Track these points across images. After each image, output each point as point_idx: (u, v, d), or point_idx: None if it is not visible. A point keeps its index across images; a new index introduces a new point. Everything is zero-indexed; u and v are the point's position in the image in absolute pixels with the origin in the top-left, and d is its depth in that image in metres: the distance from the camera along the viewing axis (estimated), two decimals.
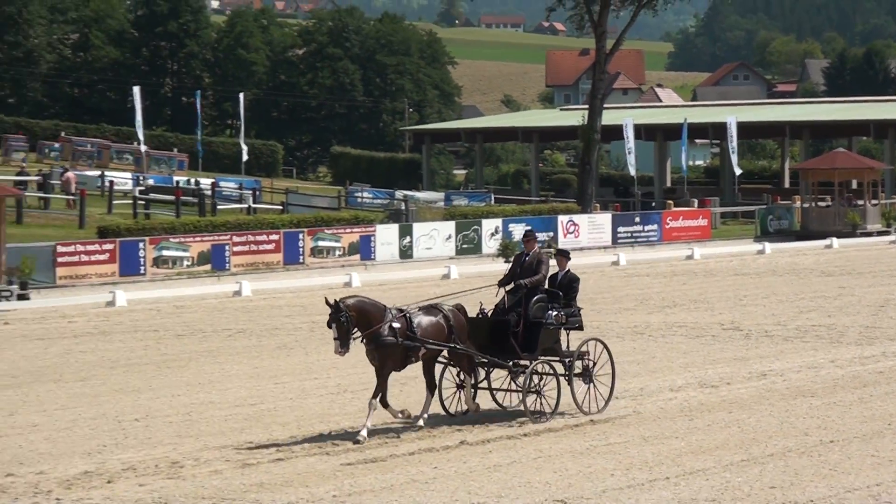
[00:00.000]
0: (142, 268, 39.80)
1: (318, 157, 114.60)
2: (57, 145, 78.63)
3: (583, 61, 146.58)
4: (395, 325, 17.71)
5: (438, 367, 18.64)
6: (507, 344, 18.47)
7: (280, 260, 43.18)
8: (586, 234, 52.87)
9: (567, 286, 19.21)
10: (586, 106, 65.61)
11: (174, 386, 22.22)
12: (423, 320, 18.08)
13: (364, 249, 45.71)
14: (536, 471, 15.81)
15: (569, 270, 19.43)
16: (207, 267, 41.38)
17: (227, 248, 42.07)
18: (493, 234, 49.77)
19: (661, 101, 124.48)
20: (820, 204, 59.74)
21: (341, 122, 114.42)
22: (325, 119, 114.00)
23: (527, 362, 18.53)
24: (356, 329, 17.48)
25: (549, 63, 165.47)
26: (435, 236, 48.42)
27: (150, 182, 64.84)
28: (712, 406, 19.82)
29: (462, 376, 18.56)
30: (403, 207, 58.73)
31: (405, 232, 47.58)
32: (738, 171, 69.40)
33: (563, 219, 52.80)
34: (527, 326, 18.52)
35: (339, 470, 16.01)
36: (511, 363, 18.63)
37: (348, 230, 46.05)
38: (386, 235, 46.91)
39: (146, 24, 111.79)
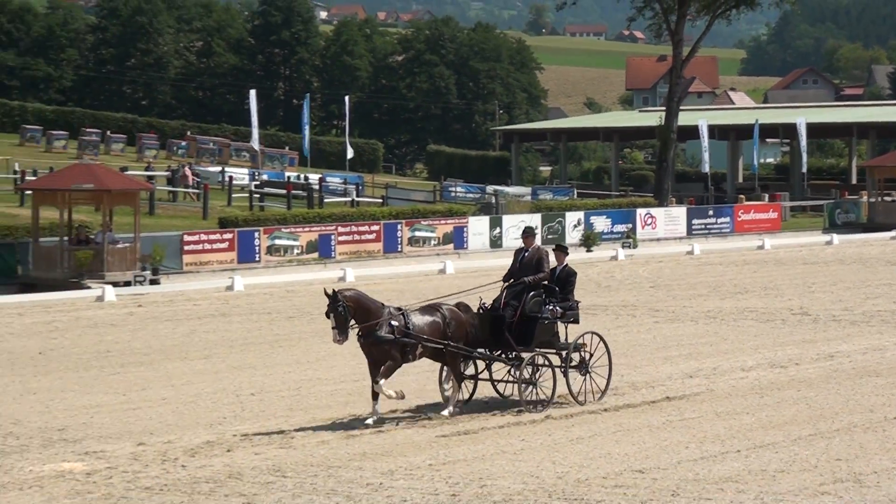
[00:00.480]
0: (257, 255, 40.22)
1: (416, 154, 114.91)
2: (184, 143, 79.66)
3: (660, 67, 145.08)
4: (394, 322, 16.87)
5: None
6: (503, 337, 17.58)
7: (380, 248, 43.38)
8: (663, 226, 52.48)
9: (564, 280, 18.14)
10: (663, 108, 65.01)
11: (285, 363, 22.41)
12: (419, 319, 17.19)
13: (457, 239, 45.78)
14: (616, 443, 15.72)
15: (566, 265, 18.34)
16: (315, 255, 41.70)
17: (332, 237, 42.37)
18: (575, 226, 49.56)
19: (733, 103, 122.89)
20: (886, 199, 58.66)
21: (437, 122, 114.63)
22: (422, 120, 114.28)
23: (525, 355, 17.62)
24: (353, 320, 16.69)
25: (629, 68, 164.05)
26: (522, 227, 48.24)
27: (265, 177, 65.45)
28: (782, 385, 19.55)
29: (446, 372, 17.60)
30: (493, 201, 58.68)
31: (495, 223, 47.57)
32: (804, 168, 68.38)
33: (641, 212, 52.44)
34: (523, 321, 17.59)
35: (434, 441, 16.04)
36: (507, 356, 17.75)
37: (443, 221, 46.13)
38: (477, 226, 46.92)
39: (262, 33, 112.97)
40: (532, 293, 17.71)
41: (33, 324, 28.21)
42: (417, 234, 44.72)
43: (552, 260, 18.27)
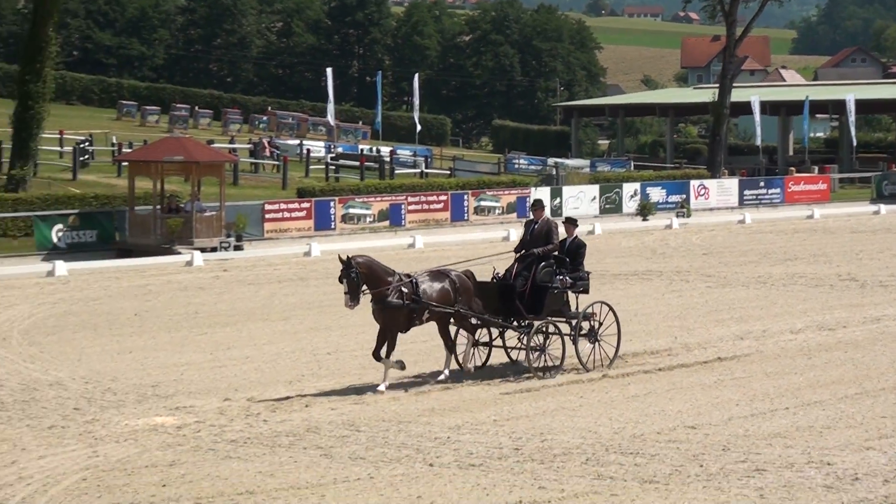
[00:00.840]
0: (332, 223, 40.38)
1: (481, 129, 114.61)
2: (265, 118, 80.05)
3: (714, 46, 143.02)
4: (403, 289, 16.49)
5: (452, 328, 17.36)
6: (514, 306, 17.13)
7: (448, 217, 43.36)
8: (715, 196, 51.91)
9: (574, 252, 17.61)
10: (717, 85, 64.21)
11: (359, 325, 22.38)
12: (428, 285, 16.78)
13: (520, 208, 45.59)
14: (669, 401, 15.63)
15: (576, 237, 17.80)
16: (386, 223, 41.78)
17: (402, 206, 42.42)
18: (632, 196, 49.19)
19: (784, 80, 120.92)
20: None
21: (501, 98, 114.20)
22: (488, 96, 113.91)
23: (535, 323, 17.16)
24: (365, 286, 16.38)
25: (684, 47, 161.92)
26: (582, 197, 48.07)
27: (340, 150, 65.64)
28: (829, 346, 19.31)
29: (467, 336, 17.30)
30: (554, 172, 58.40)
31: (556, 194, 47.33)
32: (853, 142, 67.24)
33: (694, 183, 51.91)
34: (534, 290, 17.13)
35: (498, 398, 16.05)
36: (519, 323, 17.22)
37: (507, 192, 46.01)
38: (539, 196, 46.70)
39: (338, 14, 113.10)
40: (543, 264, 17.25)
41: (129, 287, 28.58)
42: (483, 203, 44.65)
43: (562, 232, 17.77)
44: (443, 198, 43.54)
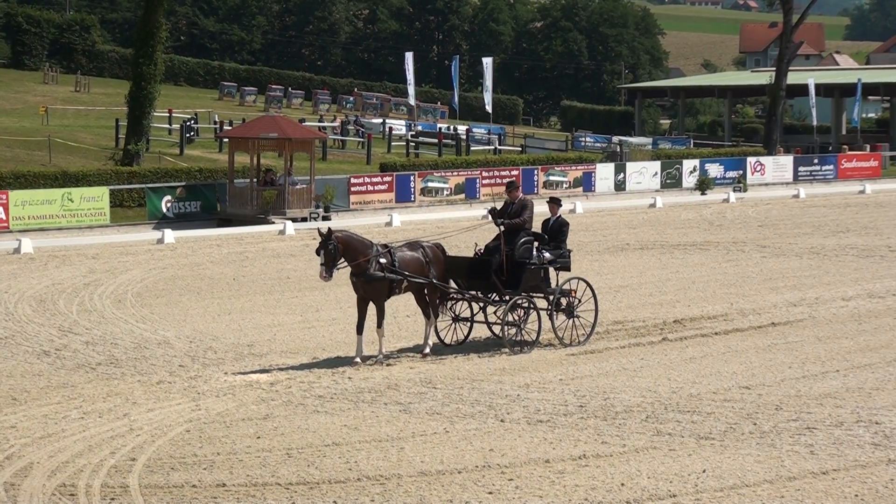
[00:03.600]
0: (412, 196, 40.43)
1: (551, 109, 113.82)
2: (351, 99, 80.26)
3: (771, 32, 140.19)
4: (382, 260, 15.63)
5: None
6: (490, 281, 16.19)
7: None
8: (771, 173, 51.08)
9: (557, 230, 16.78)
10: (773, 68, 62.95)
11: None
12: (404, 255, 15.93)
13: (586, 183, 45.31)
14: (725, 363, 15.41)
15: (560, 216, 17.00)
16: (462, 196, 41.72)
17: (477, 181, 42.30)
18: (691, 172, 48.55)
19: (838, 65, 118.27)
20: None
21: (570, 81, 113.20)
22: (557, 78, 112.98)
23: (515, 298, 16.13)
24: (343, 258, 15.49)
25: (742, 33, 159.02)
26: (644, 173, 47.56)
27: (419, 128, 65.59)
28: (879, 313, 18.88)
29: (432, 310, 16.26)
30: (618, 150, 57.80)
31: (619, 169, 46.90)
32: None
33: (751, 160, 51.11)
34: (512, 266, 16.19)
35: (564, 359, 15.95)
36: (496, 298, 16.22)
37: (574, 167, 45.68)
38: (604, 172, 46.34)
39: (419, 2, 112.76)
40: (523, 241, 16.34)
41: (228, 254, 28.86)
42: (551, 178, 44.37)
43: (546, 211, 16.90)
44: (514, 172, 43.31)
